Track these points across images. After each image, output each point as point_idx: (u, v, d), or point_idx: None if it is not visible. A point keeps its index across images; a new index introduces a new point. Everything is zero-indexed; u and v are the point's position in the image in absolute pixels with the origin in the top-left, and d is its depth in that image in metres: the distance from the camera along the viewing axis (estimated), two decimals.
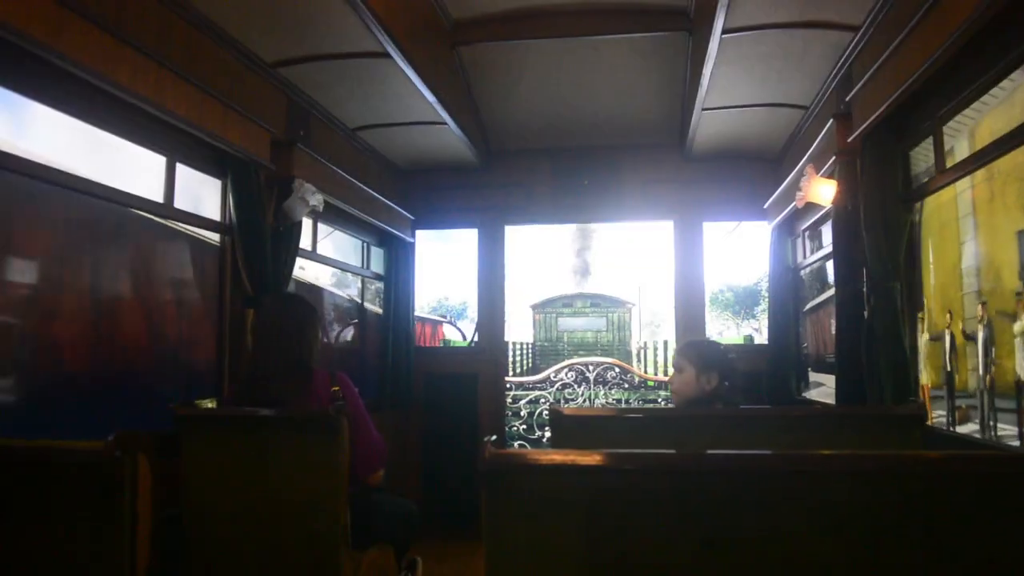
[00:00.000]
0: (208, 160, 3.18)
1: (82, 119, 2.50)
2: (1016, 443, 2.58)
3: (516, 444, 7.35)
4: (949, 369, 3.11)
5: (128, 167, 2.81)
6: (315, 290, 5.43)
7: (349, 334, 5.63)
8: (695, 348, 2.93)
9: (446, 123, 4.30)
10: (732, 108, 4.22)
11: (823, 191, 3.48)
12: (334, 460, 2.35)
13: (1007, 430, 2.69)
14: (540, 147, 5.42)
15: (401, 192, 5.44)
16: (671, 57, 4.12)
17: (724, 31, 3.09)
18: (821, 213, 3.91)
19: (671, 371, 3.02)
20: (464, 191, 5.54)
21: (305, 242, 3.92)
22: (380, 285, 5.46)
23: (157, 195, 2.91)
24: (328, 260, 4.58)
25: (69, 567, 1.64)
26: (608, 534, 1.31)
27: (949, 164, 2.74)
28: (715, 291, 44.19)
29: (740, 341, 23.85)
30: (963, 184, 2.86)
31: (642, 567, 1.30)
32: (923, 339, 3.15)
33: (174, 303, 3.24)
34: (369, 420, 2.79)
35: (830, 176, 3.48)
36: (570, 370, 8.06)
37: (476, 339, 5.66)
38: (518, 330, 32.20)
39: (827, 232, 3.94)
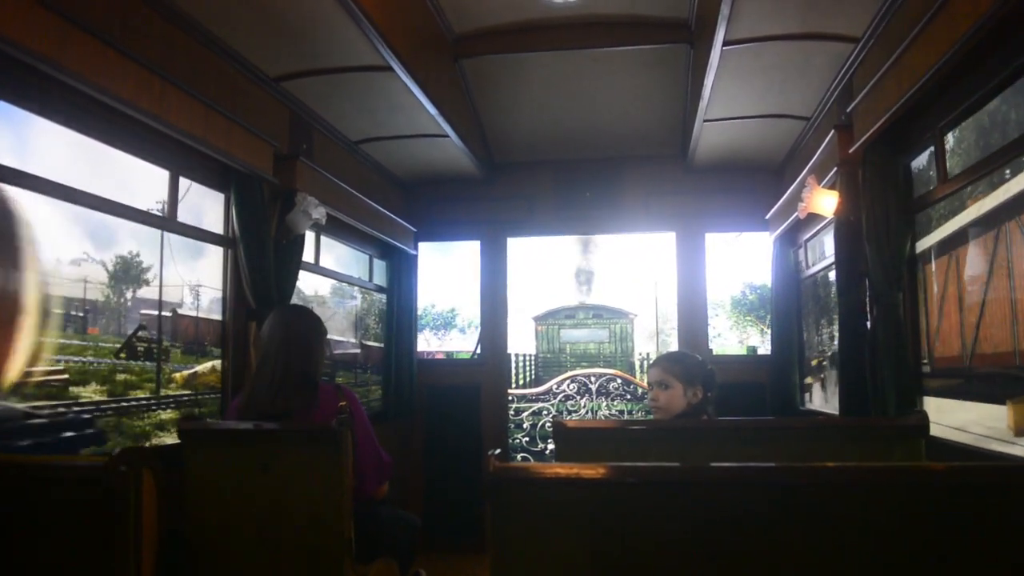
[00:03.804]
0: (211, 173, 3.19)
1: (85, 133, 2.51)
2: None
3: (519, 456, 7.33)
4: None
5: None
6: (315, 301, 5.45)
7: (350, 346, 5.64)
8: (679, 363, 2.88)
9: (448, 136, 4.32)
10: (734, 119, 4.23)
11: (825, 202, 3.48)
12: (338, 474, 2.34)
13: None
14: (542, 159, 5.44)
15: (403, 204, 5.45)
16: (673, 69, 4.13)
17: (725, 43, 3.11)
18: (823, 223, 3.91)
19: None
20: (466, 203, 5.56)
21: (307, 255, 3.92)
22: (381, 296, 5.47)
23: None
24: (331, 272, 4.59)
25: None
26: (613, 546, 1.31)
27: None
28: (735, 295, 41.98)
29: (743, 352, 23.79)
30: None
31: None
32: None
33: None
34: (375, 437, 2.78)
35: (832, 187, 3.49)
36: (572, 382, 8.05)
37: (479, 351, 5.66)
38: (520, 342, 32.22)
39: (829, 242, 3.94)
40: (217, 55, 3.03)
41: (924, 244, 3.04)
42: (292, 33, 3.06)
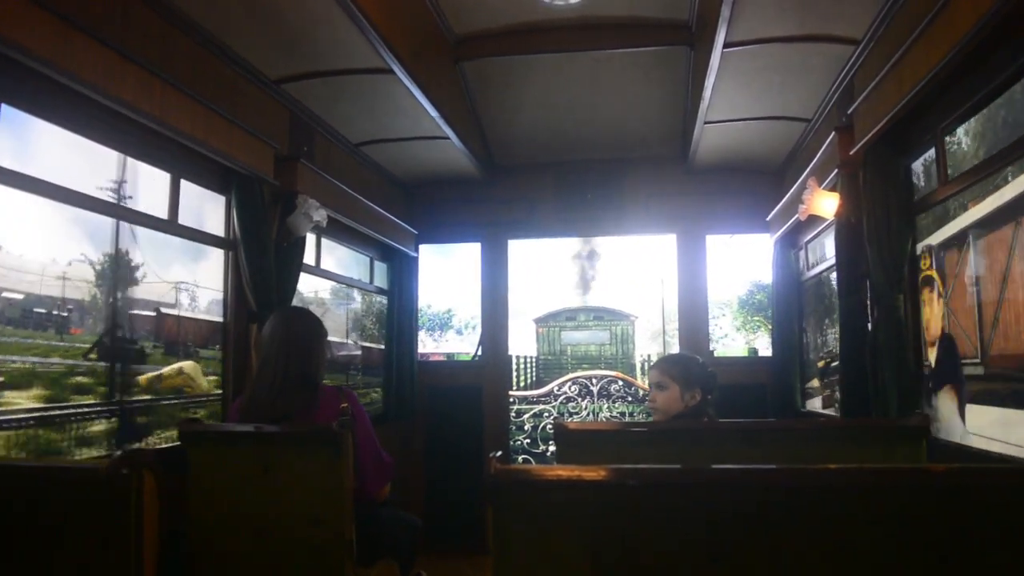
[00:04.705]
0: (212, 176, 3.19)
1: (86, 136, 2.51)
2: None
3: (520, 458, 7.32)
4: None
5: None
6: (315, 303, 5.44)
7: (349, 348, 5.64)
8: (678, 365, 2.89)
9: (449, 138, 4.32)
10: (734, 121, 4.23)
11: (826, 204, 3.48)
12: (339, 475, 2.34)
13: None
14: (543, 161, 5.44)
15: (404, 207, 5.45)
16: (673, 71, 4.13)
17: (726, 45, 3.11)
18: (824, 225, 3.91)
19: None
20: (467, 205, 5.56)
21: (308, 257, 3.92)
22: (381, 298, 5.47)
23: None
24: (332, 275, 4.59)
25: None
26: (614, 549, 1.30)
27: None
28: (742, 295, 40.87)
29: (744, 354, 23.73)
30: None
31: None
32: None
33: None
34: (376, 438, 2.78)
35: (832, 189, 3.48)
36: (574, 383, 8.03)
37: (479, 353, 5.66)
38: (521, 344, 32.16)
39: (830, 244, 3.94)
40: (217, 57, 3.03)
41: (975, 214, 2.50)
42: (293, 35, 3.06)
